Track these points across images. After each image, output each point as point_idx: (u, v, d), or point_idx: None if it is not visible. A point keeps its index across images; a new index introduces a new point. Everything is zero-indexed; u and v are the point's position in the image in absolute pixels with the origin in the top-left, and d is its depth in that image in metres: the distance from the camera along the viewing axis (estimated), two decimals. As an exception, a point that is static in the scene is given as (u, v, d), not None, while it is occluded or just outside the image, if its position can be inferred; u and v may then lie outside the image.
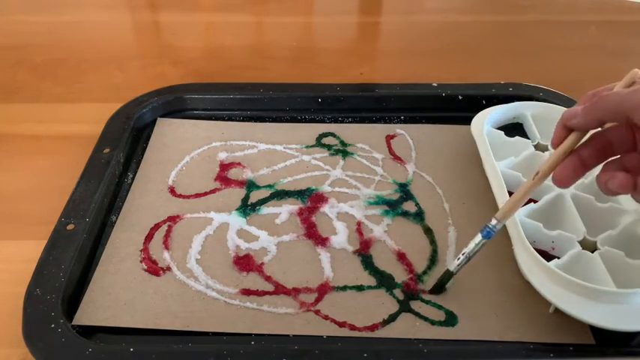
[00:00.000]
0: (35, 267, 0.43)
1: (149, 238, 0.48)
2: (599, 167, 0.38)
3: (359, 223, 0.49)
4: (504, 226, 0.46)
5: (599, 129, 0.38)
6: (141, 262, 0.46)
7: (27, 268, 0.43)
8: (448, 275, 0.43)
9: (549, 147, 0.53)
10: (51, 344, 0.38)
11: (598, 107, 0.35)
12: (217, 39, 0.84)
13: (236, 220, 0.49)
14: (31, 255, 0.44)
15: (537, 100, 0.60)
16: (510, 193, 0.48)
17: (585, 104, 0.37)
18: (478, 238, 0.41)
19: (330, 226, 0.49)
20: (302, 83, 0.65)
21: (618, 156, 0.37)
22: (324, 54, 0.80)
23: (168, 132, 0.59)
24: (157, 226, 0.49)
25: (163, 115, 0.62)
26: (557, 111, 0.57)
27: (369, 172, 0.55)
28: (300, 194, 0.52)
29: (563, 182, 0.38)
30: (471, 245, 0.42)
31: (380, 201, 0.52)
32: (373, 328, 0.41)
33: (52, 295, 0.41)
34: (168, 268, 0.45)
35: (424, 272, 0.45)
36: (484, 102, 0.61)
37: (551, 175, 0.39)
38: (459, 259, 0.42)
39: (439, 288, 0.43)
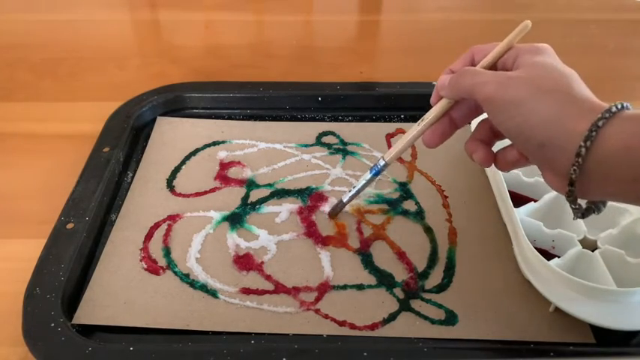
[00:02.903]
0: (35, 266, 0.43)
1: (149, 237, 0.48)
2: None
3: (359, 222, 0.49)
4: (504, 225, 0.46)
5: None
6: (140, 261, 0.46)
7: (27, 266, 0.43)
8: (341, 205, 0.48)
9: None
10: (51, 343, 0.38)
11: (459, 86, 0.38)
12: (217, 37, 0.84)
13: (236, 219, 0.49)
14: (30, 254, 0.44)
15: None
16: (511, 193, 0.48)
17: (453, 77, 0.39)
18: (368, 175, 0.46)
19: (329, 225, 0.49)
20: (302, 82, 0.65)
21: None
22: (324, 53, 0.80)
23: (168, 131, 0.59)
24: (156, 225, 0.49)
25: (163, 114, 0.62)
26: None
27: (369, 171, 0.55)
28: (300, 193, 0.52)
29: (431, 144, 0.41)
30: (362, 181, 0.46)
31: (380, 200, 0.52)
32: (373, 327, 0.41)
33: (51, 294, 0.41)
34: (168, 267, 0.45)
35: (424, 271, 0.45)
36: (484, 101, 0.61)
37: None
38: (350, 191, 0.47)
39: (333, 215, 0.49)
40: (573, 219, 0.36)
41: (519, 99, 0.34)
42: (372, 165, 0.46)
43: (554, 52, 0.37)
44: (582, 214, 0.35)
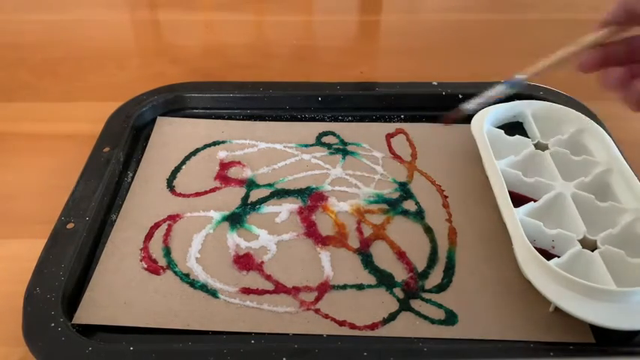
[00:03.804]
0: (35, 266, 0.43)
1: (149, 237, 0.48)
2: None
3: (359, 222, 0.49)
4: (504, 225, 0.46)
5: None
6: (141, 261, 0.46)
7: (27, 266, 0.43)
8: (457, 112, 0.45)
9: (549, 145, 0.53)
10: (51, 343, 0.38)
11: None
12: (217, 37, 0.84)
13: (236, 219, 0.49)
14: (31, 254, 0.44)
15: (537, 98, 0.60)
16: (510, 192, 0.48)
17: None
18: (502, 86, 0.44)
19: (329, 225, 0.49)
20: (302, 82, 0.65)
21: None
22: (324, 52, 0.80)
23: (168, 131, 0.59)
24: (156, 225, 0.49)
25: (163, 114, 0.61)
26: (557, 110, 0.57)
27: (369, 171, 0.55)
28: (300, 193, 0.52)
29: (585, 68, 0.41)
30: (492, 90, 0.44)
31: (380, 200, 0.52)
32: (373, 326, 0.41)
33: (51, 293, 0.41)
34: (168, 267, 0.45)
35: (424, 271, 0.45)
36: (484, 101, 0.61)
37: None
38: (474, 99, 0.44)
39: (448, 120, 0.46)
40: None
41: None
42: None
43: None
44: None
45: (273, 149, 0.57)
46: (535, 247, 0.42)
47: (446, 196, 0.52)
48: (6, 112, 0.64)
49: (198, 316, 0.41)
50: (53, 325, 0.39)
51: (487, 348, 0.40)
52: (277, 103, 0.62)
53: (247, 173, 0.54)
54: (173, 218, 0.49)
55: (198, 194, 0.52)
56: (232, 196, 0.52)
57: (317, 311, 0.42)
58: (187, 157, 0.56)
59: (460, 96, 0.62)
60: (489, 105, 0.43)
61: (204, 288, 0.43)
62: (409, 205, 0.51)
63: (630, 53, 0.40)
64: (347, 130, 0.60)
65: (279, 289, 0.44)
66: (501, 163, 0.51)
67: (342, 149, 0.57)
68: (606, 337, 0.40)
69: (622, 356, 0.40)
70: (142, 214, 0.50)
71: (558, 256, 0.43)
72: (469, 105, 0.43)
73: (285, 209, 0.50)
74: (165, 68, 0.73)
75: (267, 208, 0.51)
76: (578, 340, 0.40)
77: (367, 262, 0.46)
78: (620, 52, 0.40)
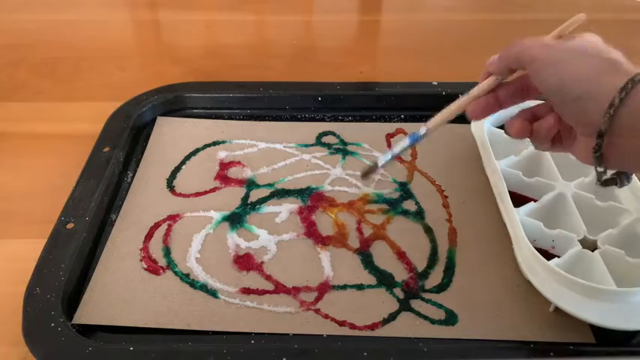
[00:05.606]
0: (35, 266, 0.43)
1: (149, 237, 0.48)
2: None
3: (359, 222, 0.49)
4: (504, 225, 0.46)
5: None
6: (141, 261, 0.46)
7: (27, 267, 0.43)
8: (374, 168, 0.44)
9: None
10: (51, 343, 0.38)
11: (506, 55, 0.40)
12: (217, 37, 0.84)
13: (236, 219, 0.49)
14: (31, 254, 0.44)
15: (537, 98, 0.60)
16: (511, 193, 0.48)
17: (503, 50, 0.40)
18: (406, 141, 0.43)
19: (329, 225, 0.49)
20: (302, 82, 0.65)
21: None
22: (324, 52, 0.80)
23: (168, 131, 0.59)
24: (156, 225, 0.49)
25: (163, 114, 0.62)
26: (557, 110, 0.57)
27: (369, 171, 0.55)
28: (300, 193, 0.52)
29: (474, 115, 0.42)
30: (399, 147, 0.44)
31: (380, 200, 0.52)
32: (373, 327, 0.41)
33: (51, 294, 0.41)
34: (168, 267, 0.45)
35: (424, 271, 0.45)
36: (484, 101, 0.61)
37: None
38: (385, 155, 0.44)
39: (365, 176, 0.45)
40: (595, 184, 0.37)
41: (561, 58, 0.36)
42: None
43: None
44: (605, 181, 0.36)
45: (273, 149, 0.57)
46: (535, 247, 0.42)
47: (446, 196, 0.52)
48: (6, 112, 0.64)
49: (198, 316, 0.41)
50: (53, 325, 0.39)
51: (487, 348, 0.40)
52: (277, 103, 0.62)
53: (247, 173, 0.54)
54: (173, 218, 0.49)
55: (198, 194, 0.52)
56: (232, 196, 0.52)
57: (317, 311, 0.42)
58: (187, 157, 0.56)
59: (460, 95, 0.62)
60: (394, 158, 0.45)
61: (204, 288, 0.43)
62: (409, 205, 0.51)
63: (520, 91, 0.41)
64: (347, 130, 0.60)
65: (279, 289, 0.44)
66: (501, 163, 0.51)
67: (342, 149, 0.57)
68: (606, 337, 0.40)
69: (622, 356, 0.40)
70: (141, 214, 0.50)
71: (558, 256, 0.43)
72: (380, 162, 0.44)
73: (285, 209, 0.50)
74: (166, 68, 0.73)
75: (267, 208, 0.51)
76: (578, 340, 0.40)
77: (367, 262, 0.46)
78: (509, 93, 0.41)
